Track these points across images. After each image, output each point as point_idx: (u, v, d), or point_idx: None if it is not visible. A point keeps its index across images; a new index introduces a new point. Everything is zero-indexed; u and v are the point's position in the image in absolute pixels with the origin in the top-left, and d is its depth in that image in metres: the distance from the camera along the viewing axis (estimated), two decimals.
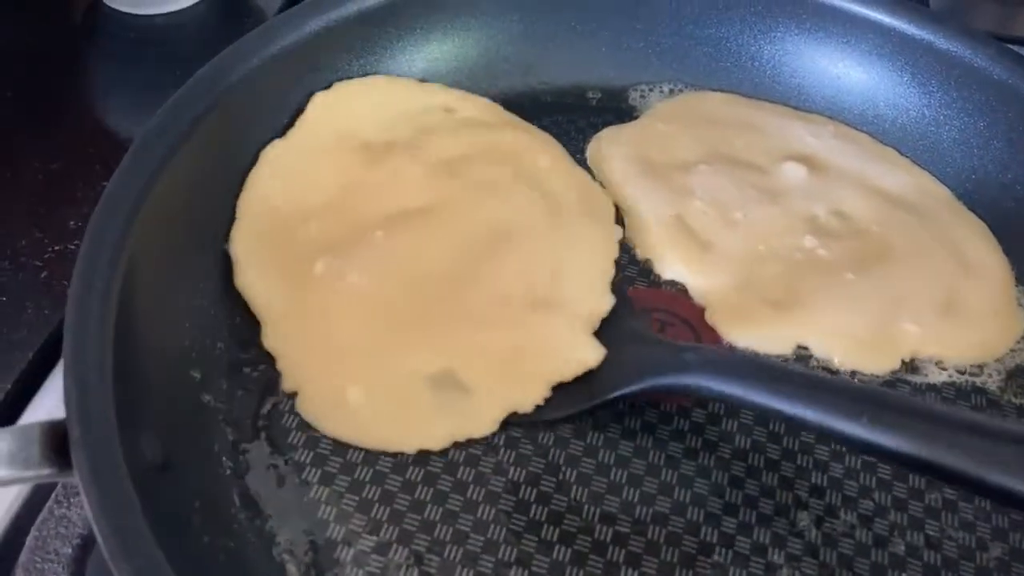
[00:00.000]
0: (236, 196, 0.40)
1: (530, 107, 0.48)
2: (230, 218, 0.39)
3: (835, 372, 0.38)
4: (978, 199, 0.44)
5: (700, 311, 0.39)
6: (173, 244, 0.36)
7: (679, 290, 0.40)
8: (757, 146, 0.45)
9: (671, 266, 0.41)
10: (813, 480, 0.34)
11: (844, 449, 0.35)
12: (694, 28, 0.49)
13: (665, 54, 0.50)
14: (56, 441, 0.28)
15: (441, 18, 0.47)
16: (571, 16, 0.49)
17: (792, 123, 0.47)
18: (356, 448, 0.34)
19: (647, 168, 0.44)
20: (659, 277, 0.41)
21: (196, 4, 0.59)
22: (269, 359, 0.37)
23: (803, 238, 0.41)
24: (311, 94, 0.43)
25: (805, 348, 0.38)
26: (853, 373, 0.38)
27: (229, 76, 0.40)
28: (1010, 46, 0.54)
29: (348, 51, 0.45)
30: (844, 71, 0.48)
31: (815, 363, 0.38)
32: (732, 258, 0.41)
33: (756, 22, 0.49)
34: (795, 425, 0.34)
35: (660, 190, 0.43)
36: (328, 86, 0.44)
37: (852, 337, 0.38)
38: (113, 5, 0.58)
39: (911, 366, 0.38)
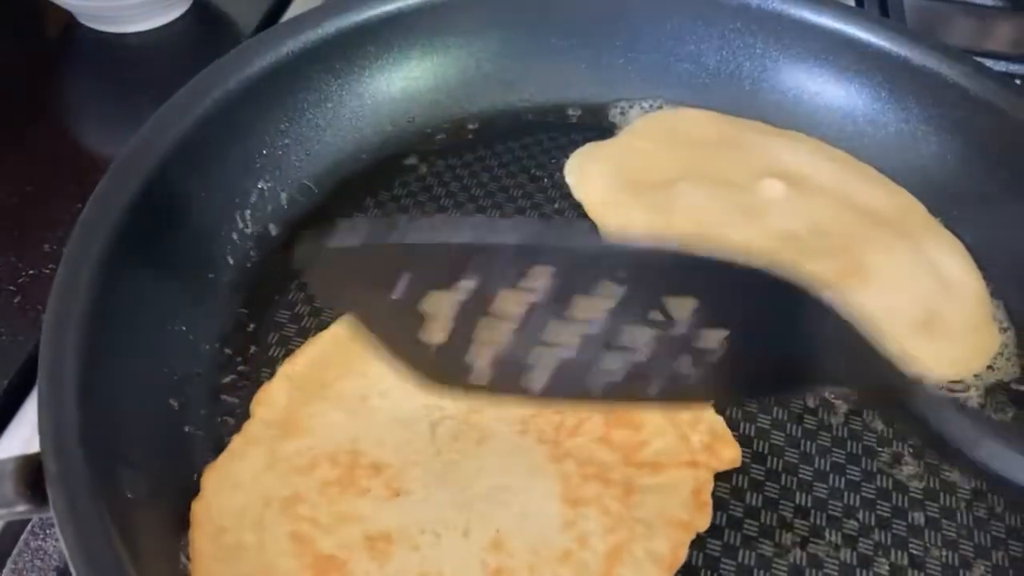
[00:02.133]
0: (216, 221, 0.39)
1: (510, 125, 0.48)
2: (208, 244, 0.39)
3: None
4: (955, 213, 0.45)
5: None
6: (150, 271, 0.36)
7: None
8: (736, 163, 0.45)
9: None
10: (798, 501, 0.34)
11: (828, 468, 0.35)
12: (674, 45, 0.49)
13: (645, 71, 0.50)
14: (31, 476, 0.27)
15: (420, 37, 0.47)
16: (551, 34, 0.49)
17: (770, 140, 0.47)
18: None
19: (627, 185, 0.45)
20: None
21: (171, 22, 0.59)
22: (248, 383, 0.36)
23: (781, 255, 0.41)
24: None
25: None
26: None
27: (207, 98, 0.39)
28: (985, 61, 0.55)
29: (327, 71, 0.45)
30: (822, 87, 0.48)
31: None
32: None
33: (735, 39, 0.49)
34: None
35: (639, 208, 0.43)
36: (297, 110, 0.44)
37: None
38: (88, 24, 0.58)
39: None
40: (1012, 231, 0.43)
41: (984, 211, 0.44)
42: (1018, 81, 0.58)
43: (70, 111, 0.55)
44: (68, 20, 0.58)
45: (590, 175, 0.45)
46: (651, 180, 0.45)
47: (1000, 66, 0.57)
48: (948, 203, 0.45)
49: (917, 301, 0.40)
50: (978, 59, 0.53)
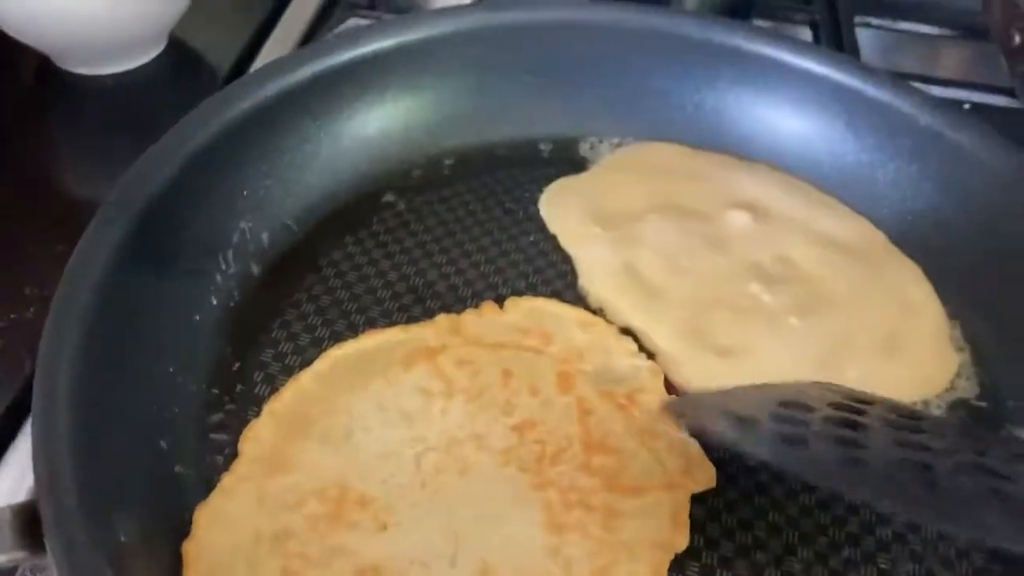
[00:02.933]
0: (199, 263, 0.40)
1: (484, 160, 0.50)
2: (192, 285, 0.40)
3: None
4: (913, 238, 0.47)
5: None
6: (137, 314, 0.36)
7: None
8: (703, 195, 0.47)
9: (623, 314, 0.42)
10: (771, 520, 0.36)
11: (799, 487, 0.37)
12: (640, 81, 0.51)
13: (613, 107, 0.51)
14: (27, 523, 0.28)
15: (395, 77, 0.48)
16: (522, 72, 0.51)
17: (735, 172, 0.49)
18: None
19: (598, 218, 0.46)
20: (612, 323, 0.42)
21: (147, 63, 0.60)
22: (235, 421, 0.37)
23: (748, 284, 0.43)
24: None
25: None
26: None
27: (189, 143, 0.40)
28: (934, 87, 0.58)
29: (305, 113, 0.46)
30: (783, 119, 0.50)
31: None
32: (681, 305, 0.42)
33: (698, 74, 0.51)
34: None
35: (611, 240, 0.45)
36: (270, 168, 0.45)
37: (791, 376, 0.40)
38: (63, 66, 0.58)
39: None
40: (965, 252, 0.45)
41: (938, 234, 0.46)
42: (967, 106, 0.60)
43: (47, 153, 0.56)
44: (43, 62, 0.59)
45: (564, 208, 0.47)
46: (622, 212, 0.46)
47: (950, 92, 0.60)
48: (905, 228, 0.47)
49: (879, 326, 0.42)
50: (928, 86, 0.57)
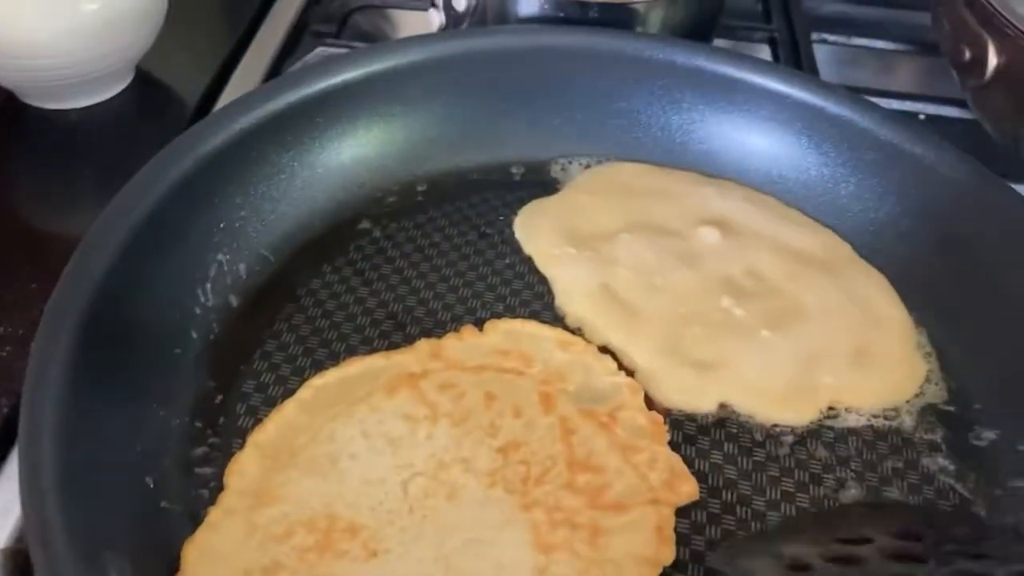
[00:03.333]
0: (178, 297, 0.40)
1: (457, 185, 0.50)
2: (172, 320, 0.40)
3: (757, 425, 0.40)
4: (877, 249, 0.48)
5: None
6: (118, 353, 0.36)
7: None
8: (673, 213, 0.48)
9: (601, 332, 0.43)
10: (753, 530, 0.37)
11: (779, 497, 0.38)
12: (607, 103, 0.52)
13: (582, 128, 0.52)
14: (18, 567, 0.28)
15: (365, 106, 0.49)
16: (491, 97, 0.52)
17: (703, 189, 0.50)
18: None
19: (572, 239, 0.47)
20: (591, 341, 0.43)
21: (113, 97, 0.59)
22: (220, 454, 0.37)
23: (720, 299, 0.44)
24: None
25: (727, 405, 0.41)
26: (775, 425, 0.40)
27: (165, 179, 0.40)
28: (891, 101, 0.59)
29: (278, 144, 0.46)
30: (747, 137, 0.51)
31: (738, 418, 0.40)
32: (657, 322, 0.43)
33: (663, 95, 0.52)
34: None
35: (586, 259, 0.46)
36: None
37: (771, 393, 0.41)
38: (29, 101, 0.58)
39: (829, 413, 0.41)
40: (927, 261, 0.47)
41: (901, 244, 0.48)
42: (922, 117, 0.62)
43: (14, 190, 0.55)
44: (7, 98, 0.58)
45: (538, 230, 0.48)
46: (595, 232, 0.47)
47: (905, 105, 0.62)
48: (869, 239, 0.48)
49: (848, 336, 0.43)
50: (884, 99, 0.58)
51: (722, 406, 0.41)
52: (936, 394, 0.42)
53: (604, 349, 0.42)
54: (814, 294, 0.45)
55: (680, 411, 0.41)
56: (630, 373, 0.42)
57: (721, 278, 0.45)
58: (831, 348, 0.43)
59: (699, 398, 0.41)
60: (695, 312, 0.44)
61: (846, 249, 0.48)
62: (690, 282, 0.45)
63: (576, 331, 0.43)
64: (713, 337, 0.43)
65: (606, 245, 0.46)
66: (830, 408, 0.41)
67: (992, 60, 0.48)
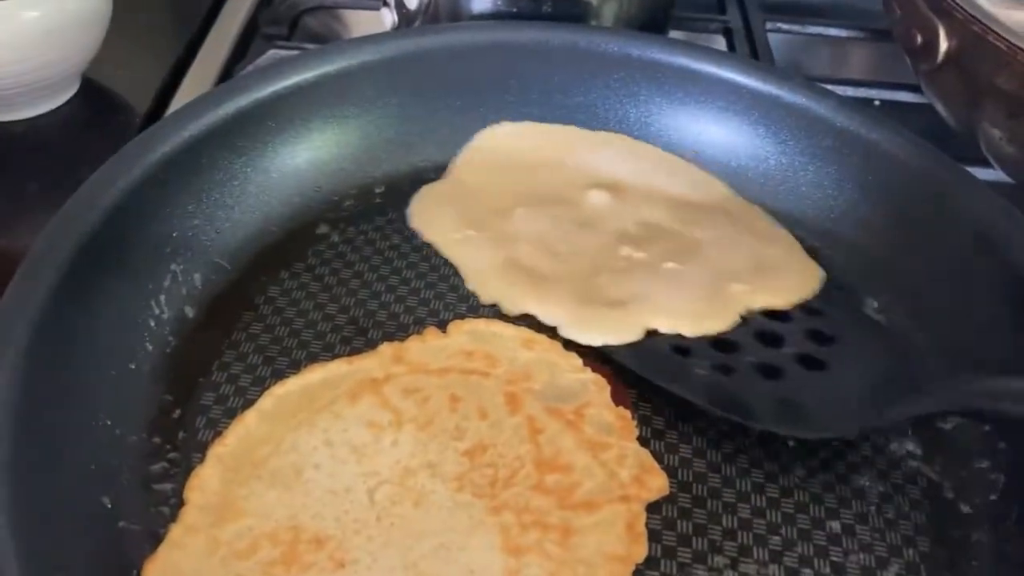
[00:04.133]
0: (131, 311, 0.39)
1: (415, 185, 0.49)
2: (126, 334, 0.39)
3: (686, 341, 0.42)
4: (838, 235, 0.48)
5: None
6: (69, 369, 0.35)
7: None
8: (561, 181, 0.50)
9: (516, 302, 0.44)
10: (725, 524, 0.36)
11: (749, 488, 0.38)
12: (562, 97, 0.52)
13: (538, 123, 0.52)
14: None
15: (319, 108, 0.48)
16: (446, 95, 0.51)
17: (586, 154, 0.51)
18: None
19: (470, 221, 0.47)
20: (510, 315, 0.43)
21: (59, 107, 0.58)
22: (179, 470, 0.36)
23: (620, 249, 0.46)
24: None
25: (654, 331, 0.42)
26: (701, 337, 0.42)
27: (111, 189, 0.39)
28: (846, 88, 0.60)
29: (230, 150, 0.45)
30: (704, 127, 0.51)
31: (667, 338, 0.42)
32: (566, 281, 0.44)
33: (619, 87, 0.52)
34: None
35: (486, 240, 0.46)
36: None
37: (690, 310, 0.43)
38: None
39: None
40: (888, 247, 0.47)
41: (861, 230, 0.48)
42: (877, 103, 0.63)
43: None
44: None
45: (435, 217, 0.48)
46: (490, 210, 0.48)
47: (860, 91, 0.62)
48: (830, 225, 0.48)
49: (745, 254, 0.46)
50: (839, 86, 0.59)
51: (649, 333, 0.42)
52: None
53: (524, 317, 0.43)
54: (704, 229, 0.47)
55: (608, 346, 0.42)
56: (554, 333, 0.42)
57: (617, 233, 0.47)
58: (732, 266, 0.45)
59: (625, 331, 0.42)
60: (599, 265, 0.45)
61: (722, 187, 0.50)
62: (589, 242, 0.46)
63: (494, 307, 0.44)
64: (622, 280, 0.44)
65: (503, 222, 0.47)
66: (747, 313, 0.43)
67: (943, 44, 0.49)
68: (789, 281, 0.46)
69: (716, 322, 0.43)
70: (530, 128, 0.52)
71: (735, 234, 0.47)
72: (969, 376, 0.39)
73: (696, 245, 0.46)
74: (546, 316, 0.43)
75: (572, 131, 0.52)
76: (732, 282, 0.44)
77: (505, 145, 0.51)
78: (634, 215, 0.48)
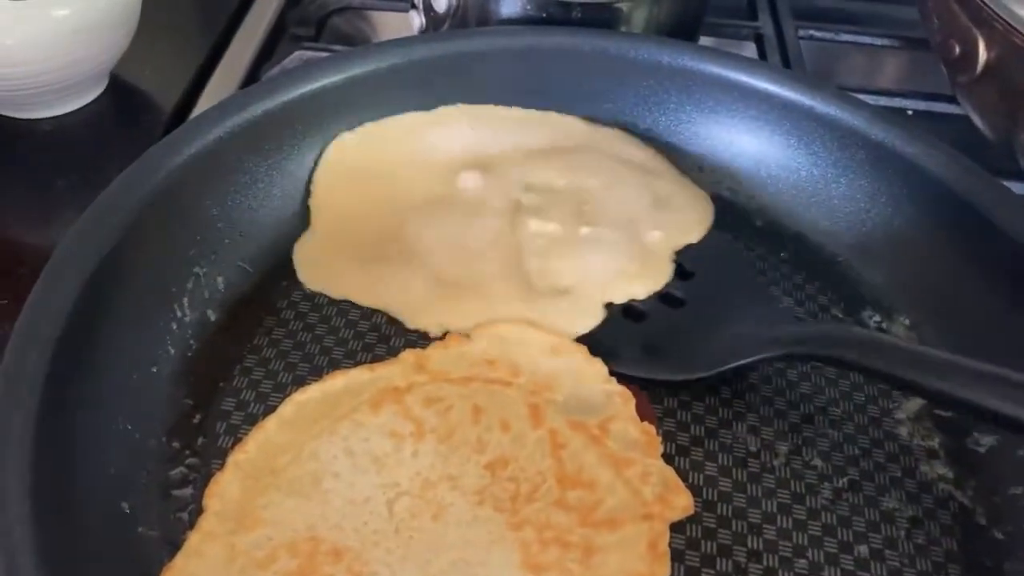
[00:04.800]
0: (154, 314, 0.39)
1: None
2: (148, 338, 0.39)
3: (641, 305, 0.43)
4: (871, 249, 0.47)
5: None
6: (91, 373, 0.35)
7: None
8: (426, 177, 0.47)
9: (467, 320, 0.42)
10: (750, 545, 0.36)
11: (775, 509, 0.37)
12: (591, 104, 0.51)
13: None
14: None
15: (345, 112, 0.48)
16: (473, 100, 0.50)
17: (429, 133, 0.49)
18: None
19: (366, 256, 0.44)
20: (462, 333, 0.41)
21: (87, 105, 0.58)
22: (198, 476, 0.36)
23: (528, 225, 0.45)
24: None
25: (609, 304, 0.43)
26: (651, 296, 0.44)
27: (137, 192, 0.39)
28: (879, 98, 0.59)
29: (256, 153, 0.45)
30: (735, 137, 0.50)
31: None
32: (500, 280, 0.43)
33: (649, 95, 0.51)
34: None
35: (395, 269, 0.44)
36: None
37: (628, 272, 0.44)
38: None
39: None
40: (921, 261, 0.46)
41: (895, 244, 0.47)
42: (910, 112, 0.62)
43: None
44: None
45: (329, 272, 0.44)
46: (378, 237, 0.45)
47: (894, 101, 0.61)
48: (863, 239, 0.47)
49: (639, 192, 0.47)
50: (872, 95, 0.58)
51: (607, 306, 0.43)
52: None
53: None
54: (588, 174, 0.47)
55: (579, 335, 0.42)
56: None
57: (512, 208, 0.46)
58: (636, 212, 0.46)
59: (589, 314, 0.43)
60: (519, 249, 0.44)
61: (578, 123, 0.50)
62: (491, 227, 0.45)
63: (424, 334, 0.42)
64: (550, 261, 0.44)
65: (398, 244, 0.44)
66: (676, 258, 0.45)
67: (982, 55, 0.48)
68: (691, 216, 0.47)
69: (657, 276, 0.44)
70: (368, 131, 0.48)
71: (615, 168, 0.48)
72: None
73: (591, 195, 0.46)
74: (492, 327, 0.42)
75: (408, 119, 0.49)
76: (647, 231, 0.45)
77: (352, 158, 0.47)
78: (517, 183, 0.47)
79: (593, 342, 0.41)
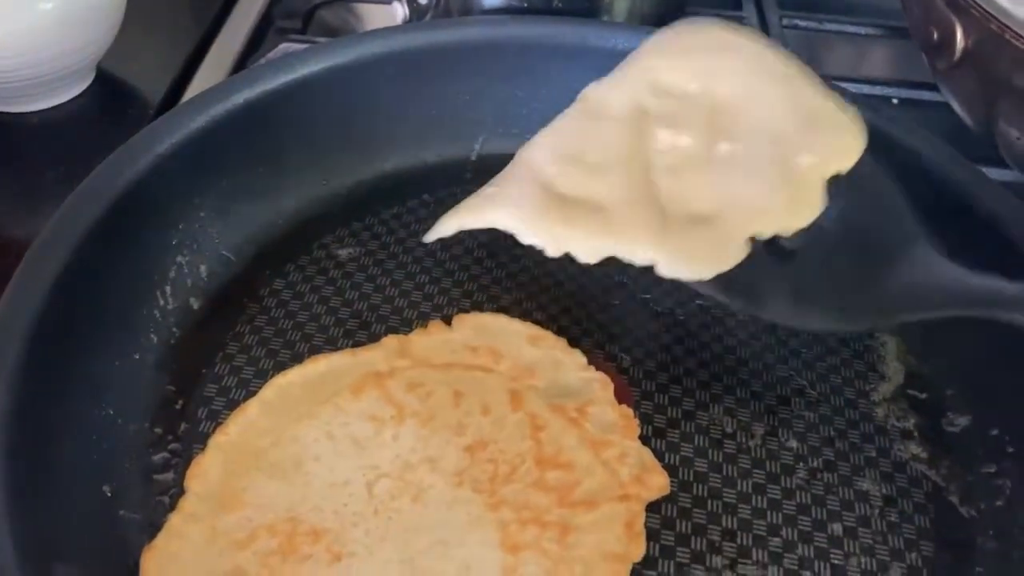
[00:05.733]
0: (136, 301, 0.40)
1: (422, 179, 0.49)
2: (130, 325, 0.39)
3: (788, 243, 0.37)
4: None
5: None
6: (73, 359, 0.36)
7: None
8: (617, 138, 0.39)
9: (594, 247, 0.36)
10: (724, 524, 0.36)
11: (750, 489, 0.37)
12: (572, 93, 0.51)
13: (548, 119, 0.51)
14: None
15: (327, 101, 0.48)
16: (455, 89, 0.51)
17: None
18: None
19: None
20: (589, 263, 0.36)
21: (74, 98, 0.58)
22: (180, 460, 0.36)
23: (657, 136, 0.38)
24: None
25: (755, 238, 0.36)
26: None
27: (117, 181, 0.39)
28: (863, 86, 0.59)
29: (238, 142, 0.45)
30: None
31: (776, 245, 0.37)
32: (628, 202, 0.37)
33: None
34: None
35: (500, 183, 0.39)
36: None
37: (783, 203, 0.37)
38: None
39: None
40: None
41: None
42: (895, 101, 0.62)
43: None
44: None
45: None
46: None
47: (878, 90, 0.61)
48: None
49: (784, 107, 0.39)
50: (857, 84, 0.58)
51: (750, 240, 0.36)
52: (908, 381, 0.42)
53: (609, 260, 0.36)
54: (721, 79, 0.39)
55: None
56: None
57: (637, 113, 0.39)
58: (784, 127, 0.38)
59: (732, 251, 0.35)
60: (646, 165, 0.38)
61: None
62: (614, 136, 0.39)
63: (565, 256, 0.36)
64: (685, 181, 0.37)
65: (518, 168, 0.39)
66: (830, 179, 0.37)
67: (959, 41, 0.48)
68: (846, 138, 0.38)
69: (810, 208, 0.36)
70: None
71: (755, 80, 0.39)
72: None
73: (728, 106, 0.39)
74: (633, 255, 0.36)
75: None
76: (798, 154, 0.37)
77: None
78: (643, 84, 0.40)
79: (733, 283, 0.35)
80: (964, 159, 0.45)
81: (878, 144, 0.45)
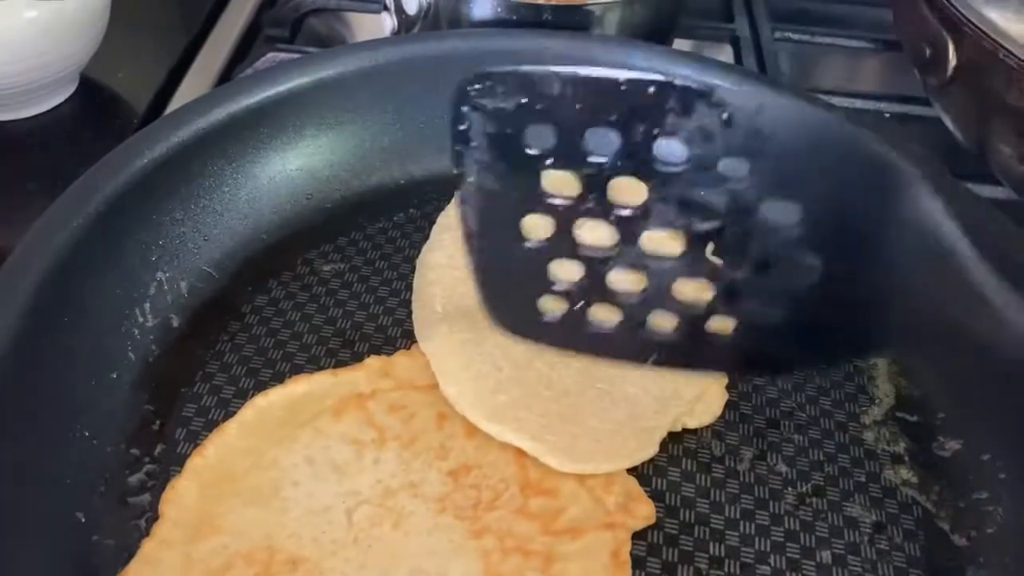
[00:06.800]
0: (115, 318, 0.39)
1: (411, 195, 0.49)
2: (108, 343, 0.38)
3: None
4: None
5: None
6: (48, 378, 0.35)
7: None
8: None
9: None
10: (712, 551, 0.35)
11: (738, 515, 0.37)
12: None
13: None
14: None
15: (312, 114, 0.47)
16: (443, 102, 0.49)
17: None
18: None
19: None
20: None
21: (58, 106, 0.58)
22: (156, 483, 0.36)
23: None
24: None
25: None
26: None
27: (96, 196, 0.39)
28: (855, 100, 0.59)
29: (220, 156, 0.44)
30: None
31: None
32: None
33: None
34: None
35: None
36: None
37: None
38: None
39: None
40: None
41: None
42: (887, 115, 0.61)
43: None
44: None
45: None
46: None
47: (870, 104, 0.61)
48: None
49: None
50: (849, 98, 0.58)
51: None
52: (899, 403, 0.41)
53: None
54: None
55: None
56: None
57: None
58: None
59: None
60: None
61: None
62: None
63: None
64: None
65: None
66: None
67: (952, 59, 0.48)
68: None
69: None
70: None
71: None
72: None
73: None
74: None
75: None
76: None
77: None
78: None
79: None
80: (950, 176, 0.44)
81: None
